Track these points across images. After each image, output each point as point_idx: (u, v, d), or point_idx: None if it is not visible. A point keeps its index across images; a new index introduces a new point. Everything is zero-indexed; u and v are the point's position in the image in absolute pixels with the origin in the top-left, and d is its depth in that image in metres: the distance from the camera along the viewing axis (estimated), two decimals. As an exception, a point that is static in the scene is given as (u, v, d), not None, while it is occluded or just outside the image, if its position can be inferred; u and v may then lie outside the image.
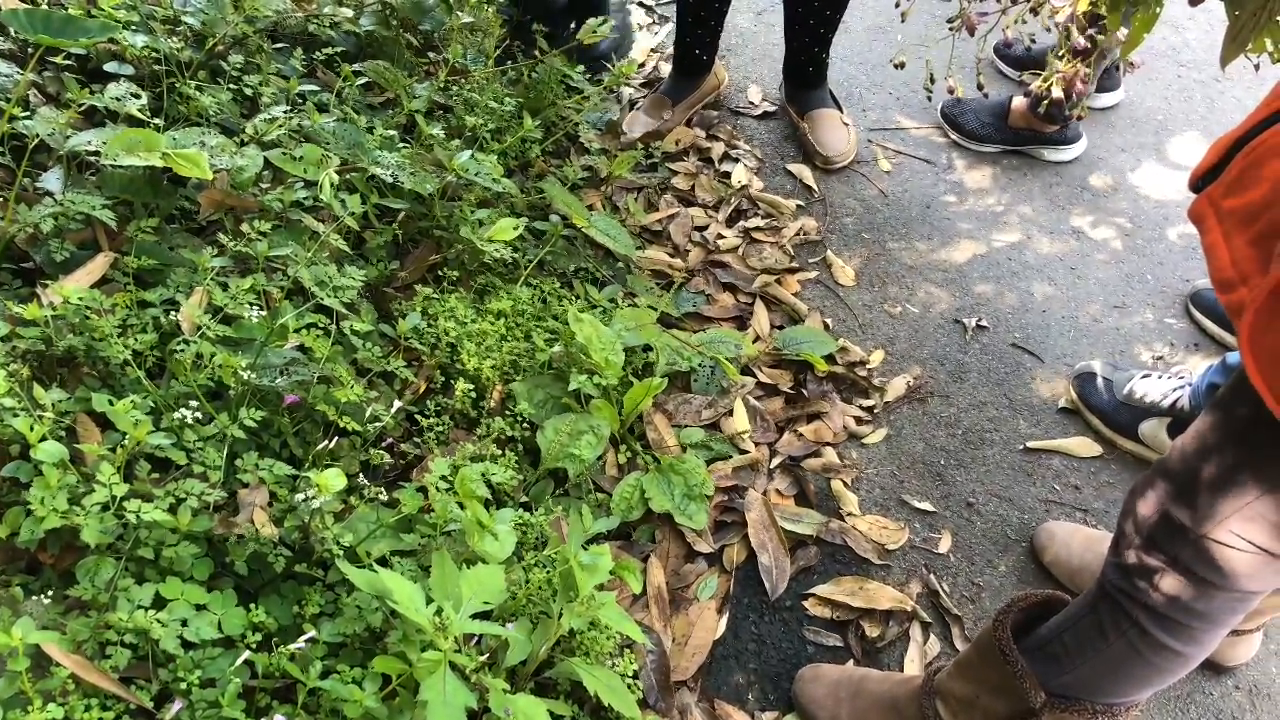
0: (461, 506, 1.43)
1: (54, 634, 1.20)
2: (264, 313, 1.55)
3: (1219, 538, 1.11)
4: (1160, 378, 1.99)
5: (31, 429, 1.28)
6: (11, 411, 1.30)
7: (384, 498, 1.49)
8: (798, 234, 2.49)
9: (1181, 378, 1.97)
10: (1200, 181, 1.10)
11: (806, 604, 1.76)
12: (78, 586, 1.28)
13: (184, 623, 1.30)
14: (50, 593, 1.30)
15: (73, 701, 1.21)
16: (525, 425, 1.80)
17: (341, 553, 1.41)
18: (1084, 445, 2.00)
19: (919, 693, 1.51)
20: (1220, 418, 1.12)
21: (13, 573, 1.37)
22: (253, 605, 1.38)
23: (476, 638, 1.44)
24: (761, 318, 2.26)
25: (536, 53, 2.49)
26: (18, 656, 1.13)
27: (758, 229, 2.50)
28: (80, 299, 1.48)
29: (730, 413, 2.05)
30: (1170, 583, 1.18)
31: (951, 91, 1.94)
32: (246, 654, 1.30)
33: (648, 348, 2.05)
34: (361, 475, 1.57)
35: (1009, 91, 2.81)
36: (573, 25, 2.83)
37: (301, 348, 1.61)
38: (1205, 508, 1.12)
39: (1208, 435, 1.13)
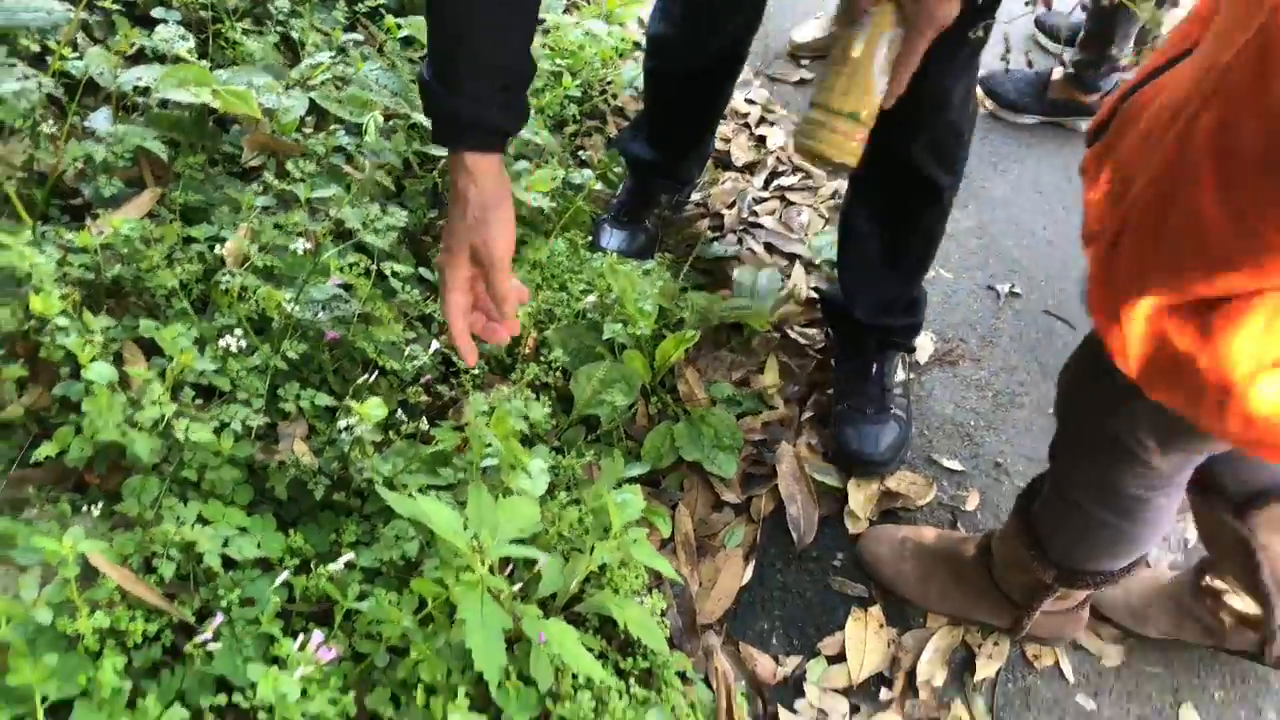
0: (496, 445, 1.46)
1: (102, 543, 1.24)
2: (309, 246, 1.58)
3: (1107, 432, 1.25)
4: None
5: (84, 349, 1.32)
6: (64, 331, 1.33)
7: (422, 430, 1.52)
8: (832, 196, 2.50)
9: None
10: (1094, 135, 1.09)
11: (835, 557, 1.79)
12: (124, 503, 1.32)
13: (225, 542, 1.34)
14: (98, 509, 1.34)
15: (119, 612, 1.25)
16: (559, 373, 1.82)
17: (380, 480, 1.44)
18: (1114, 410, 2.01)
19: (977, 557, 1.65)
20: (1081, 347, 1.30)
21: (61, 491, 1.41)
22: (291, 531, 1.41)
23: (510, 570, 1.47)
24: (799, 276, 2.27)
25: (574, 9, 2.51)
26: (68, 564, 1.17)
27: (793, 189, 2.51)
28: (130, 229, 1.51)
29: (761, 370, 2.06)
30: (1092, 465, 1.33)
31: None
32: (286, 574, 1.34)
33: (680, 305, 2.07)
34: (400, 413, 1.61)
35: (1049, 64, 2.80)
36: None
37: (344, 286, 1.64)
38: (1086, 413, 1.29)
39: (1082, 354, 1.31)
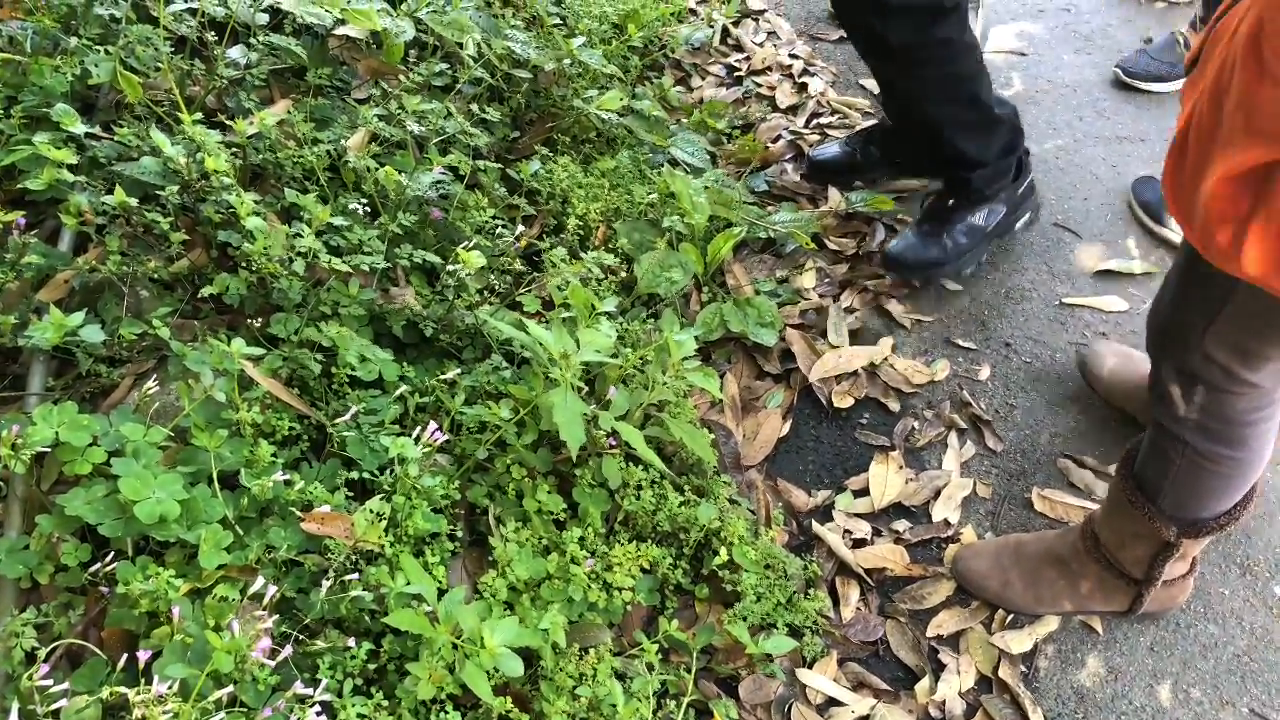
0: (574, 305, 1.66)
1: (258, 349, 1.45)
2: (417, 143, 1.79)
3: (1208, 354, 1.20)
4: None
5: (242, 205, 1.54)
6: (231, 190, 1.55)
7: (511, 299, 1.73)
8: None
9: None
10: (1188, 69, 1.11)
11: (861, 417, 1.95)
12: (274, 328, 1.55)
13: (358, 360, 1.55)
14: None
15: (269, 414, 1.46)
16: (624, 261, 2.02)
17: (484, 320, 1.65)
18: (1113, 303, 2.14)
19: (1084, 546, 1.58)
20: (1176, 259, 1.25)
21: (220, 328, 1.63)
22: (404, 364, 1.63)
23: (588, 390, 1.66)
24: (834, 195, 2.44)
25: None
26: (232, 363, 1.38)
27: (831, 126, 2.68)
28: (274, 121, 1.74)
29: (800, 271, 2.24)
30: (1199, 397, 1.27)
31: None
32: (402, 389, 1.55)
33: (729, 224, 2.25)
34: (492, 276, 1.82)
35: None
36: None
37: (447, 174, 1.85)
38: (1185, 338, 1.22)
39: (1171, 275, 1.25)
